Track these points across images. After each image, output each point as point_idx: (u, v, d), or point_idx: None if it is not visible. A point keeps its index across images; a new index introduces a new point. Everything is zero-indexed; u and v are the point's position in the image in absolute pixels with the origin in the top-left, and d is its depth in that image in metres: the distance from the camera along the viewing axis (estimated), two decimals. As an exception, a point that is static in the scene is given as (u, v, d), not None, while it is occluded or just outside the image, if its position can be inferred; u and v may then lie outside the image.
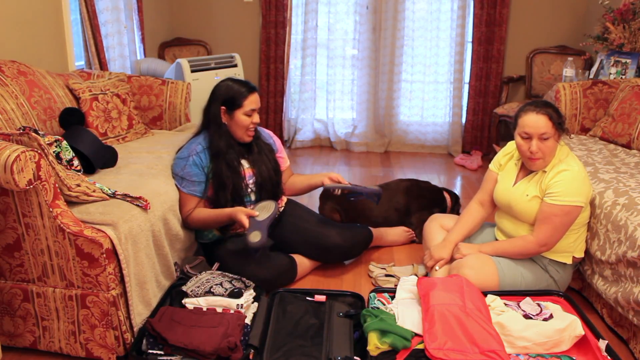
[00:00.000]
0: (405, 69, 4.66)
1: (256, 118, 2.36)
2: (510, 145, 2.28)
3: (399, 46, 4.56)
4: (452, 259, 2.27)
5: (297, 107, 4.84)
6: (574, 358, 1.76)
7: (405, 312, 1.91)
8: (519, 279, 2.14)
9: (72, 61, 3.20)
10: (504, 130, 4.31)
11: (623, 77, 3.29)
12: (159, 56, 4.59)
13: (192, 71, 3.78)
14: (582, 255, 2.20)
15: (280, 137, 4.68)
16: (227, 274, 2.14)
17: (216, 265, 2.28)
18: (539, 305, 1.94)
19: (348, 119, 4.89)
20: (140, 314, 1.95)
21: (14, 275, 1.89)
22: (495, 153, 2.40)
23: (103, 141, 2.47)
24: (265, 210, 2.22)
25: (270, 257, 2.36)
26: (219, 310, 1.97)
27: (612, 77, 3.35)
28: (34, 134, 1.82)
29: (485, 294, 2.01)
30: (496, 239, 2.33)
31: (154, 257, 2.06)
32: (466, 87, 4.60)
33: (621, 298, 1.95)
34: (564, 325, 1.80)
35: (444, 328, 1.77)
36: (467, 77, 4.58)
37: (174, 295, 2.07)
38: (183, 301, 2.00)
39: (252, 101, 2.33)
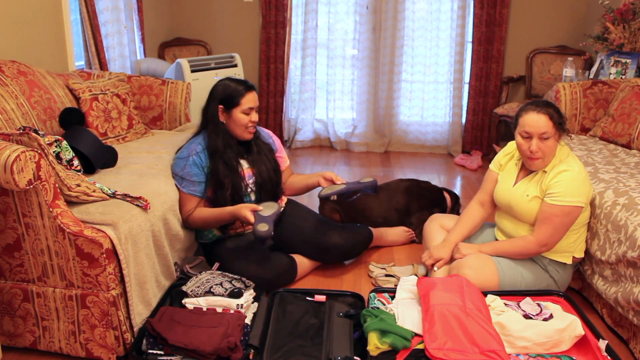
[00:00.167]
0: (405, 69, 4.66)
1: (254, 116, 2.36)
2: (511, 146, 2.28)
3: (399, 46, 4.56)
4: (452, 259, 2.27)
5: (297, 107, 4.84)
6: (574, 358, 1.76)
7: (405, 312, 1.91)
8: (519, 279, 2.14)
9: (72, 61, 3.20)
10: (504, 130, 4.31)
11: (623, 77, 3.29)
12: (159, 56, 4.59)
13: (192, 71, 3.78)
14: (582, 255, 2.20)
15: (280, 137, 4.68)
16: (227, 274, 2.14)
17: (216, 265, 2.28)
18: (539, 305, 1.94)
19: (348, 119, 4.89)
20: (140, 314, 1.95)
21: (14, 275, 1.89)
22: (495, 153, 2.40)
23: (103, 141, 2.47)
24: (268, 208, 2.22)
25: (270, 257, 2.36)
26: (219, 310, 1.97)
27: (612, 77, 3.35)
28: (34, 134, 1.82)
29: (485, 294, 2.01)
30: (496, 239, 2.33)
31: (154, 257, 2.06)
32: (466, 87, 4.60)
33: (621, 298, 1.95)
34: (564, 325, 1.80)
35: (444, 328, 1.77)
36: (467, 77, 4.58)
37: (174, 295, 2.07)
38: (183, 301, 2.00)
39: (250, 99, 2.33)
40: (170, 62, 4.27)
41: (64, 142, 2.10)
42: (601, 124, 3.03)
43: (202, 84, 3.58)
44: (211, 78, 3.72)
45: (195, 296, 2.00)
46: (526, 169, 2.19)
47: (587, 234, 2.21)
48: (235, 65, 4.11)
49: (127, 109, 2.87)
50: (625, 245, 1.95)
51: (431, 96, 4.76)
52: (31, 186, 1.70)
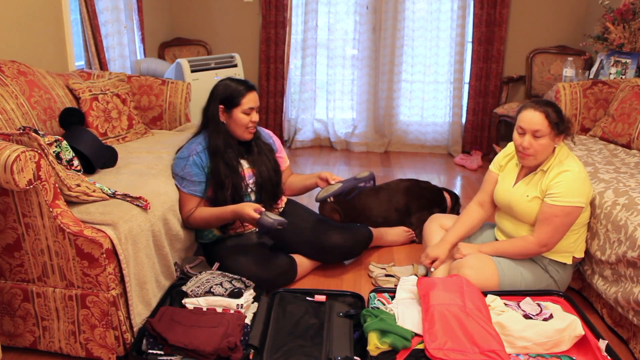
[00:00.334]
0: (405, 69, 4.66)
1: (255, 117, 2.36)
2: (511, 147, 2.28)
3: (399, 46, 4.56)
4: (452, 259, 2.27)
5: (297, 107, 4.84)
6: (574, 358, 1.76)
7: (405, 312, 1.91)
8: (519, 279, 2.14)
9: (72, 61, 3.20)
10: (504, 130, 4.31)
11: (623, 77, 3.29)
12: (159, 56, 4.59)
13: (192, 71, 3.78)
14: (582, 255, 2.20)
15: (280, 137, 4.68)
16: (227, 274, 2.14)
17: (216, 265, 2.28)
18: (539, 305, 1.94)
19: (348, 119, 4.89)
20: (140, 314, 1.95)
21: (14, 275, 1.89)
22: (495, 153, 2.41)
23: (103, 141, 2.47)
24: (274, 215, 2.22)
25: (270, 257, 2.36)
26: (219, 310, 1.97)
27: (612, 77, 3.35)
28: (34, 134, 1.82)
29: (485, 294, 2.01)
30: (496, 240, 2.33)
31: (154, 257, 2.06)
32: (466, 87, 4.60)
33: (621, 298, 1.95)
34: (564, 325, 1.80)
35: (444, 328, 1.77)
36: (467, 77, 4.58)
37: (174, 295, 2.07)
38: (183, 301, 2.00)
39: (250, 99, 2.33)
40: (170, 62, 4.27)
41: (64, 142, 2.10)
42: (601, 124, 3.03)
43: (202, 84, 3.58)
44: (211, 78, 3.72)
45: (195, 296, 2.00)
46: (526, 169, 2.19)
47: (587, 234, 2.21)
48: (235, 65, 4.11)
49: (127, 109, 2.87)
50: (625, 245, 1.95)
51: (431, 96, 4.76)
52: (31, 186, 1.70)
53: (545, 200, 2.06)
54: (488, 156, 4.46)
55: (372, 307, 2.01)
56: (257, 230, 2.16)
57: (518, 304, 1.96)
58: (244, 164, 2.41)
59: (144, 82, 3.12)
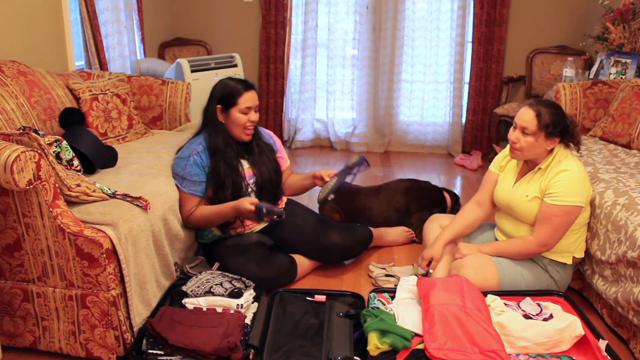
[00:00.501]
0: (405, 69, 4.66)
1: (254, 116, 2.35)
2: (510, 147, 2.29)
3: (399, 46, 4.56)
4: (453, 259, 2.27)
5: (297, 107, 4.84)
6: (574, 358, 1.76)
7: (405, 312, 1.91)
8: (519, 279, 2.14)
9: (72, 61, 3.20)
10: (504, 130, 4.31)
11: (623, 77, 3.29)
12: (159, 56, 4.59)
13: (192, 71, 3.78)
14: (582, 255, 2.21)
15: (280, 137, 4.67)
16: (227, 274, 2.14)
17: (216, 265, 2.28)
18: (539, 305, 1.94)
19: (348, 119, 4.89)
20: (140, 314, 1.95)
21: (14, 275, 1.89)
22: (495, 153, 2.41)
23: (103, 141, 2.47)
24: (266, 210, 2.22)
25: (270, 257, 2.36)
26: (219, 310, 1.97)
27: (612, 77, 3.35)
28: (34, 134, 1.82)
29: (485, 294, 2.01)
30: (496, 240, 2.33)
31: (154, 257, 2.06)
32: (466, 87, 4.60)
33: (621, 298, 1.95)
34: (564, 325, 1.80)
35: (444, 328, 1.77)
36: (467, 77, 4.58)
37: (174, 295, 2.07)
38: (183, 301, 2.00)
39: (248, 99, 2.32)
40: (170, 62, 4.27)
41: (64, 142, 2.10)
42: (601, 124, 3.03)
43: (202, 84, 3.58)
44: (211, 78, 3.72)
45: (195, 296, 2.00)
46: (525, 169, 2.20)
47: (587, 234, 2.21)
48: (235, 65, 4.11)
49: (127, 109, 2.87)
50: (625, 245, 1.95)
51: (431, 96, 4.76)
52: (31, 186, 1.70)
53: (544, 200, 2.06)
54: (488, 156, 4.46)
55: (372, 307, 2.01)
56: (257, 216, 2.14)
57: (518, 304, 1.96)
58: (245, 163, 2.41)
59: (144, 82, 3.12)
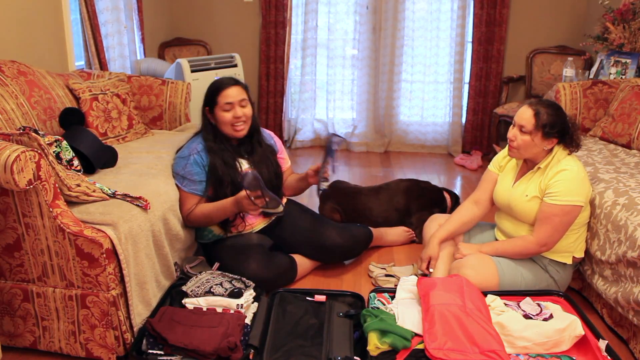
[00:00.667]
0: (405, 69, 4.66)
1: (239, 111, 2.31)
2: (510, 147, 2.29)
3: (399, 46, 4.56)
4: (453, 259, 2.27)
5: (297, 107, 4.84)
6: (574, 358, 1.76)
7: (405, 312, 1.91)
8: (519, 279, 2.14)
9: (72, 61, 3.20)
10: (504, 130, 4.30)
11: (623, 77, 3.29)
12: (159, 56, 4.59)
13: (192, 71, 3.78)
14: (582, 255, 2.21)
15: (280, 137, 4.67)
16: (227, 274, 2.14)
17: (216, 265, 2.28)
18: (539, 305, 1.94)
19: (348, 119, 4.89)
20: (140, 314, 1.95)
21: (14, 275, 1.89)
22: (495, 153, 2.41)
23: (103, 141, 2.47)
24: (253, 186, 2.20)
25: (270, 257, 2.36)
26: (219, 310, 1.97)
27: (612, 77, 3.35)
28: (34, 134, 1.82)
29: (485, 294, 2.01)
30: (496, 240, 2.33)
31: (154, 257, 2.06)
32: (466, 87, 4.60)
33: (621, 298, 1.95)
34: (564, 325, 1.80)
35: (444, 328, 1.77)
36: (467, 77, 4.57)
37: (174, 295, 2.07)
38: (183, 301, 2.00)
39: (227, 95, 2.30)
40: (170, 62, 4.27)
41: (64, 142, 2.10)
42: (601, 124, 3.03)
43: (202, 84, 3.55)
44: (211, 78, 3.69)
45: (195, 296, 2.00)
46: (525, 169, 2.20)
47: (587, 234, 2.21)
48: (235, 65, 4.10)
49: (127, 109, 2.87)
50: (625, 245, 1.95)
51: (431, 96, 4.76)
52: (31, 186, 1.70)
53: (544, 199, 2.06)
54: (488, 156, 4.46)
55: (372, 307, 2.01)
56: (252, 187, 2.09)
57: (518, 304, 1.96)
58: (244, 163, 2.40)
59: (144, 82, 3.12)
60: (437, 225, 2.45)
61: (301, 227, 2.50)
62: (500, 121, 4.24)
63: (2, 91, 2.26)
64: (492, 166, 2.34)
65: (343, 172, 4.15)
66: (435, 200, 3.06)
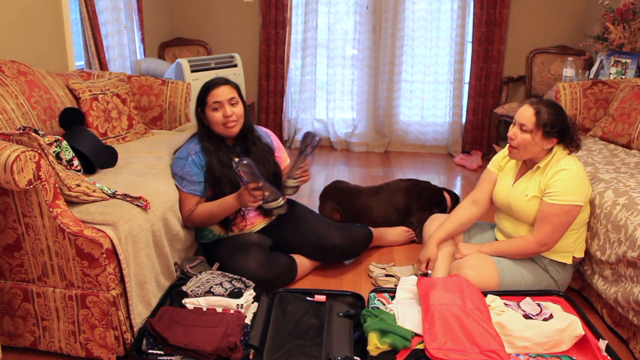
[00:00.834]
0: (405, 69, 4.66)
1: (228, 110, 2.30)
2: (509, 147, 2.29)
3: (399, 46, 4.56)
4: (453, 259, 2.27)
5: (297, 107, 4.84)
6: (574, 358, 1.76)
7: (405, 312, 1.91)
8: (519, 279, 2.14)
9: (72, 61, 3.20)
10: (504, 130, 4.31)
11: (623, 77, 3.29)
12: (159, 56, 4.59)
13: (192, 71, 3.78)
14: (582, 255, 2.21)
15: (280, 137, 4.67)
16: (227, 274, 2.14)
17: (216, 265, 2.28)
18: (539, 305, 1.94)
19: (348, 119, 4.89)
20: (140, 314, 1.95)
21: (14, 275, 1.89)
22: (495, 153, 2.41)
23: (103, 141, 2.47)
24: (253, 177, 2.21)
25: (270, 257, 2.36)
26: (219, 310, 1.97)
27: (612, 77, 3.35)
28: (34, 134, 1.82)
29: (485, 294, 2.01)
30: (496, 240, 2.33)
31: (154, 257, 2.06)
32: (466, 87, 4.60)
33: (621, 298, 1.95)
34: (564, 325, 1.80)
35: (444, 328, 1.77)
36: (467, 77, 4.58)
37: (174, 295, 2.07)
38: (183, 301, 2.00)
39: (215, 95, 2.30)
40: (170, 62, 4.27)
41: (64, 142, 2.09)
42: (601, 124, 3.03)
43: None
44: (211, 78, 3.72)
45: (195, 296, 2.00)
46: (524, 168, 2.20)
47: (587, 233, 2.21)
48: (235, 65, 4.10)
49: (127, 109, 2.87)
50: (625, 245, 1.95)
51: (431, 96, 4.76)
52: (31, 186, 1.70)
53: (543, 199, 2.06)
54: (488, 156, 4.46)
55: (372, 307, 2.01)
56: (252, 177, 2.12)
57: (518, 304, 1.96)
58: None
59: (144, 82, 3.12)
60: (437, 225, 2.45)
61: (301, 227, 2.50)
62: (500, 121, 4.24)
63: (2, 91, 2.26)
64: (492, 166, 2.34)
65: (343, 172, 4.15)
66: (435, 200, 3.06)
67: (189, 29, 4.77)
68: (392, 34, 4.53)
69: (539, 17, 4.43)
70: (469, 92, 4.56)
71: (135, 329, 1.92)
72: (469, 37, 4.47)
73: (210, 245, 2.44)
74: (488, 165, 2.36)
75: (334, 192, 3.04)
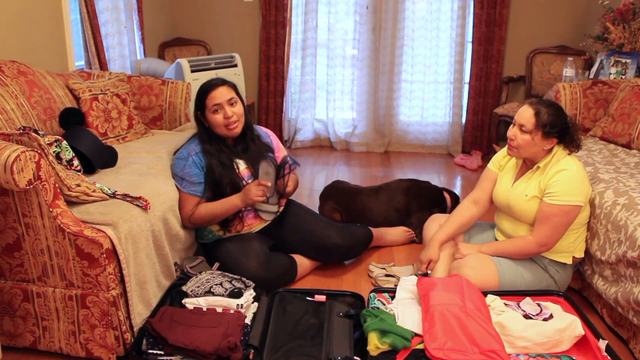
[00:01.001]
0: (405, 69, 4.66)
1: (228, 111, 2.30)
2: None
3: (399, 46, 4.56)
4: (453, 259, 2.27)
5: (297, 107, 4.84)
6: (574, 358, 1.76)
7: (405, 312, 1.91)
8: (519, 279, 2.14)
9: (72, 61, 3.20)
10: (504, 130, 4.30)
11: (623, 77, 3.29)
12: (159, 56, 4.59)
13: (192, 71, 3.78)
14: (582, 255, 2.21)
15: (280, 137, 4.67)
16: (227, 274, 2.14)
17: (216, 265, 2.28)
18: (539, 305, 1.94)
19: (348, 119, 4.89)
20: (140, 314, 1.95)
21: (14, 275, 1.89)
22: (495, 153, 2.41)
23: (103, 141, 2.47)
24: (267, 176, 2.24)
25: (270, 257, 2.36)
26: (219, 310, 1.97)
27: (612, 77, 3.35)
28: (34, 134, 1.82)
29: (485, 294, 2.01)
30: (496, 240, 2.33)
31: (154, 257, 2.06)
32: (466, 87, 4.60)
33: (621, 298, 1.95)
34: (564, 325, 1.80)
35: (444, 328, 1.77)
36: (467, 77, 4.58)
37: (174, 295, 2.07)
38: (183, 301, 2.00)
39: (214, 97, 2.30)
40: (170, 62, 4.26)
41: (64, 142, 2.09)
42: (601, 124, 3.03)
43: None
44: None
45: (195, 296, 2.00)
46: (524, 168, 2.20)
47: (587, 233, 2.21)
48: (235, 65, 4.10)
49: (127, 109, 2.87)
50: (625, 245, 1.95)
51: (431, 96, 4.76)
52: (31, 186, 1.70)
53: (543, 199, 2.06)
54: (488, 156, 4.46)
55: (372, 307, 2.01)
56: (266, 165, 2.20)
57: (518, 304, 1.96)
58: (241, 164, 2.40)
59: (144, 82, 3.12)
60: (437, 225, 2.45)
61: (301, 227, 2.50)
62: (500, 121, 4.24)
63: (2, 91, 2.26)
64: (492, 165, 2.34)
65: (343, 172, 4.15)
66: (435, 200, 3.06)
67: (189, 29, 4.76)
68: (392, 34, 4.53)
69: (538, 17, 4.43)
70: (469, 92, 4.56)
71: (135, 329, 1.92)
72: (469, 37, 4.47)
73: (210, 245, 2.44)
74: (488, 165, 2.36)
75: (334, 192, 3.04)
